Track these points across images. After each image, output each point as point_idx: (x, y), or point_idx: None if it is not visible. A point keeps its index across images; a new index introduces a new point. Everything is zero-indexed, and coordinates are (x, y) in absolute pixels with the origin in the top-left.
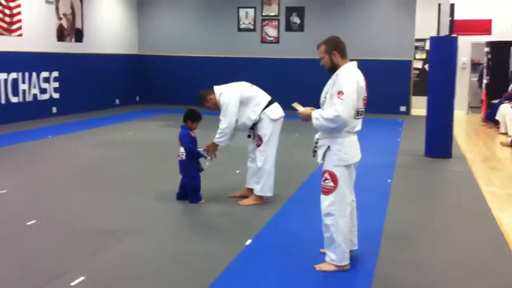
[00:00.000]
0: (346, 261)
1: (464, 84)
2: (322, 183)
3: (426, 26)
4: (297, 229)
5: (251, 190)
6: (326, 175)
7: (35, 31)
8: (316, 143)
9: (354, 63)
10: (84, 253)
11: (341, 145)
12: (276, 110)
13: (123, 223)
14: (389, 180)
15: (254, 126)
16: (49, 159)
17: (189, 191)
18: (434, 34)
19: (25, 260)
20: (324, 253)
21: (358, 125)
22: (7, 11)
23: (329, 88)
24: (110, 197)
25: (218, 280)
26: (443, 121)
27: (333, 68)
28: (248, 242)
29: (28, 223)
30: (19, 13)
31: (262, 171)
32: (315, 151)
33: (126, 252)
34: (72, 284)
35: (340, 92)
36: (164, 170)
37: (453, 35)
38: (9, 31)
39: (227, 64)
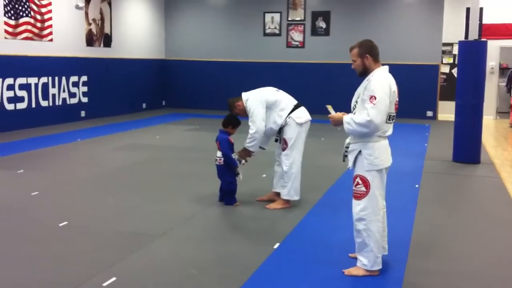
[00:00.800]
0: (378, 266)
1: (492, 88)
2: (353, 187)
3: (453, 30)
4: (324, 233)
5: (278, 194)
6: (358, 180)
7: (65, 36)
8: (347, 147)
9: (386, 68)
10: (115, 254)
11: (372, 150)
12: (302, 114)
13: (153, 225)
14: (416, 185)
15: (280, 130)
16: (78, 162)
17: (225, 194)
18: (462, 38)
19: (58, 260)
20: (353, 258)
21: (389, 129)
22: (38, 17)
23: (360, 93)
24: (139, 200)
25: (246, 284)
26: (472, 126)
27: (365, 72)
28: (276, 245)
29: (60, 225)
30: (50, 18)
31: (288, 175)
32: (346, 156)
33: (156, 253)
34: (104, 284)
35: (372, 97)
36: (192, 174)
37: (482, 39)
38: (41, 37)
39: (252, 68)
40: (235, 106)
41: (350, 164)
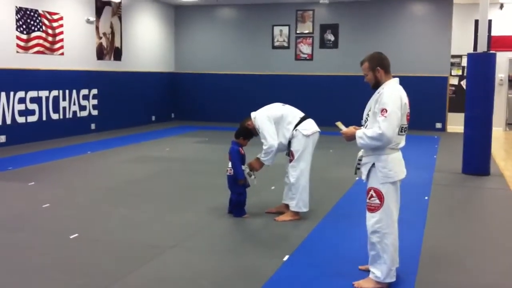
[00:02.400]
0: (391, 279)
1: (501, 100)
2: (367, 200)
3: (462, 42)
4: (334, 245)
5: (287, 206)
6: (372, 193)
7: (76, 50)
8: (360, 160)
9: (397, 80)
10: (126, 266)
11: (385, 162)
12: (309, 126)
13: (163, 237)
14: (426, 198)
15: (289, 143)
16: (89, 175)
17: (235, 206)
18: (470, 50)
19: (69, 272)
20: (363, 270)
21: (402, 141)
22: (50, 31)
23: (372, 106)
24: (150, 212)
25: None
26: (481, 138)
27: (377, 84)
28: (286, 258)
29: (71, 237)
30: (61, 32)
31: (295, 187)
32: (358, 168)
33: (167, 265)
34: None
35: (383, 110)
36: (202, 186)
37: (491, 52)
38: (52, 50)
39: (261, 81)
40: (246, 126)
41: (363, 177)
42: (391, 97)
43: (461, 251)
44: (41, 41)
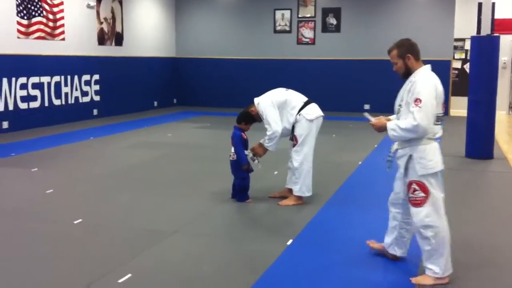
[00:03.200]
0: (449, 271)
1: (504, 84)
2: (410, 194)
3: (465, 25)
4: (337, 230)
5: (291, 191)
6: (414, 186)
7: (77, 35)
8: (391, 153)
9: (428, 66)
10: (129, 251)
11: (423, 153)
12: (312, 111)
13: (166, 223)
14: None
15: (292, 128)
16: (92, 160)
17: (238, 191)
18: (474, 33)
19: (73, 258)
20: (376, 249)
21: (439, 131)
22: (50, 17)
23: (404, 96)
24: (152, 198)
25: (259, 281)
26: (485, 122)
27: (408, 73)
28: (290, 242)
29: (75, 222)
30: (62, 18)
31: (299, 171)
32: (390, 161)
33: (170, 251)
34: (120, 281)
35: (417, 100)
36: (204, 171)
37: (494, 35)
38: (53, 36)
39: (263, 66)
40: (250, 112)
41: (401, 170)
42: (425, 86)
43: (465, 234)
44: (42, 27)
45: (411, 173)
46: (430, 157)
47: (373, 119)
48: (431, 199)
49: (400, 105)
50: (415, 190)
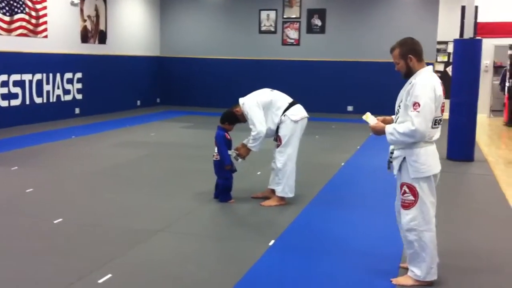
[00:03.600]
0: (432, 277)
1: (486, 87)
2: (401, 196)
3: (448, 28)
4: (320, 230)
5: (273, 191)
6: (405, 188)
7: (60, 33)
8: (392, 153)
9: (430, 68)
10: (110, 251)
11: (417, 156)
12: (297, 112)
13: (149, 222)
14: None
15: (277, 129)
16: (73, 159)
17: (221, 191)
18: (457, 36)
19: (53, 257)
20: (405, 269)
21: (436, 134)
22: (33, 13)
23: (403, 97)
24: (135, 197)
25: (242, 280)
26: (466, 124)
27: (409, 73)
28: (272, 242)
29: (55, 222)
30: (45, 15)
31: (282, 172)
32: (391, 162)
33: (153, 250)
34: (100, 281)
35: (416, 104)
36: (187, 171)
37: (477, 38)
38: (35, 33)
39: (247, 66)
40: (234, 113)
41: (395, 171)
42: (424, 89)
43: (444, 236)
44: (24, 23)
45: (404, 175)
46: (423, 161)
47: (372, 123)
48: (419, 203)
49: (399, 106)
50: (405, 192)
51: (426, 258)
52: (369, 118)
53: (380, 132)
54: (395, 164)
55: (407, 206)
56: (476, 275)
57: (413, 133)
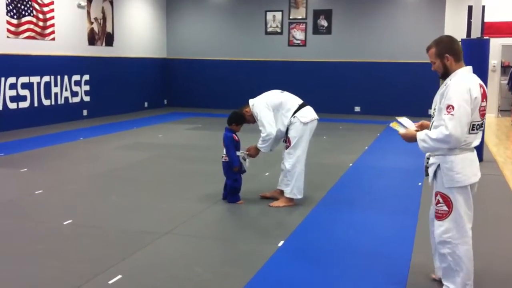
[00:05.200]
0: None
1: (493, 87)
2: (435, 206)
3: (455, 28)
4: (327, 231)
5: (282, 192)
6: (438, 198)
7: (68, 35)
8: (428, 159)
9: (469, 68)
10: (120, 253)
11: (452, 164)
12: (307, 113)
13: (157, 224)
14: (419, 183)
15: (287, 130)
16: (81, 161)
17: (229, 192)
18: (463, 36)
19: (63, 259)
20: (435, 280)
21: (475, 140)
22: (41, 16)
23: (437, 101)
24: (143, 199)
25: (250, 282)
26: None
27: (446, 73)
28: (281, 243)
29: (65, 223)
30: (52, 17)
31: (291, 173)
32: (427, 168)
33: (161, 252)
34: (110, 282)
35: (449, 106)
36: (195, 173)
37: (484, 38)
38: (43, 36)
39: (254, 67)
40: (244, 113)
41: (430, 179)
42: (458, 91)
43: None
44: (32, 26)
45: (438, 184)
46: (459, 169)
47: (402, 130)
48: (453, 215)
49: (435, 109)
50: (438, 202)
51: (460, 273)
52: (399, 126)
53: (411, 139)
54: (430, 171)
55: (440, 217)
56: (484, 277)
57: (447, 138)
